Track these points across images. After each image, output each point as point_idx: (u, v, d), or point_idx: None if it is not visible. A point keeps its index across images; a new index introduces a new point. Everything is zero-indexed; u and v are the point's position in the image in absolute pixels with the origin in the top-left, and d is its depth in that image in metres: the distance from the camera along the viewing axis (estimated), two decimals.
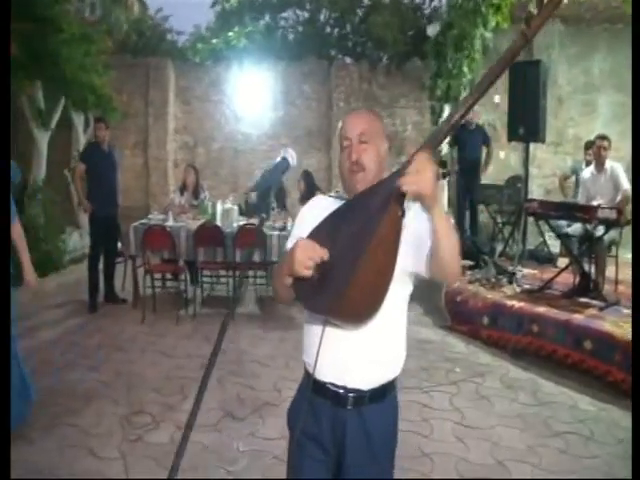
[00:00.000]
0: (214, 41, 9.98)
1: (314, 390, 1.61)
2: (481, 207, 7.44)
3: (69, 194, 8.53)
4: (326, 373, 1.59)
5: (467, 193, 7.34)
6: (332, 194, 1.81)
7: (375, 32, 9.37)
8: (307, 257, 1.39)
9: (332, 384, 1.59)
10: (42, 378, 4.14)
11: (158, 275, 6.01)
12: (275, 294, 1.67)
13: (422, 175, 1.25)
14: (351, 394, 1.59)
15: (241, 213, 6.36)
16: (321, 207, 1.59)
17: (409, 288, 1.61)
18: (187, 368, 4.34)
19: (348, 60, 9.89)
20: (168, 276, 6.55)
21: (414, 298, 1.67)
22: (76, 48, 6.96)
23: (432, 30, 7.26)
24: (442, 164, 6.74)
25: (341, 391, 1.59)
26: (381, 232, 1.35)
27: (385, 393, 1.63)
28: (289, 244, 1.62)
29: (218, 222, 5.86)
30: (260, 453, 3.13)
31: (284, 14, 10.89)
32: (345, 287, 1.34)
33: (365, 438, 1.59)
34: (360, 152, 1.55)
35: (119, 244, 6.17)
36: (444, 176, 6.79)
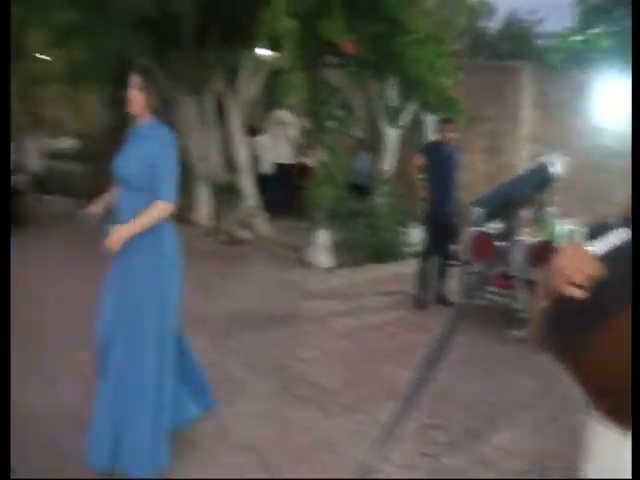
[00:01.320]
0: (571, 39, 8.85)
1: None
2: None
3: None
4: None
5: None
6: None
7: None
8: (575, 267, 1.01)
9: None
10: (364, 360, 4.22)
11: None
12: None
13: None
14: None
15: (590, 238, 5.30)
16: None
17: None
18: (504, 397, 3.82)
19: None
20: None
21: None
22: (426, 49, 6.95)
23: None
24: None
25: None
26: None
27: None
28: None
29: (558, 243, 5.05)
30: None
31: None
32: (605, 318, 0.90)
33: None
34: None
35: (455, 246, 5.94)
36: None
